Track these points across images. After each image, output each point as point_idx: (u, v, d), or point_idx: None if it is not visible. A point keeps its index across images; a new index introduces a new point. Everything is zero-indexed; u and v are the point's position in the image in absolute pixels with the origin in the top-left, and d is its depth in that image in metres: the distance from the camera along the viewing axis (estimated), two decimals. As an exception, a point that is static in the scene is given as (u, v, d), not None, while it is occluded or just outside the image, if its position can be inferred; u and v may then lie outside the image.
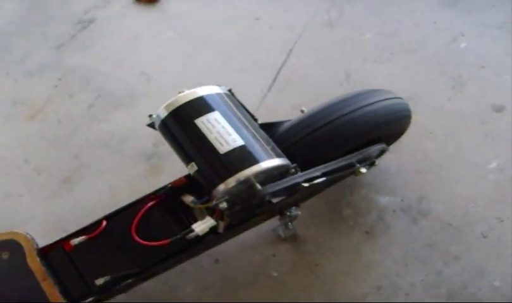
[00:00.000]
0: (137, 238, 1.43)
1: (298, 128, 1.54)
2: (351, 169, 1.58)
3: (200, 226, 1.39)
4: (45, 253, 1.42)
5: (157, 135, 1.58)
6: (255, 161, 1.32)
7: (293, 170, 1.39)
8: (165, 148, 1.44)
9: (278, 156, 1.38)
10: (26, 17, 2.88)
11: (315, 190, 1.60)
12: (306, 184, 1.43)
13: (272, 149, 1.40)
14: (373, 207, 1.83)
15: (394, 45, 2.39)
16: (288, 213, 1.60)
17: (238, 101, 1.54)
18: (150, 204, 1.51)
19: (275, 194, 1.41)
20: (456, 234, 1.74)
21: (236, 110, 1.47)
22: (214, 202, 1.31)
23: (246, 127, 1.42)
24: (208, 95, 1.45)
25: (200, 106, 1.42)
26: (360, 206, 1.83)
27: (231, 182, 1.30)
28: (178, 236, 1.39)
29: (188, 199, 1.53)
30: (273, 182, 1.36)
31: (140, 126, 1.81)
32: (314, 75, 2.35)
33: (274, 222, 1.74)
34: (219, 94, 1.48)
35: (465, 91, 2.16)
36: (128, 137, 2.18)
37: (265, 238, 1.79)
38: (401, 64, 2.31)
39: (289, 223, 1.72)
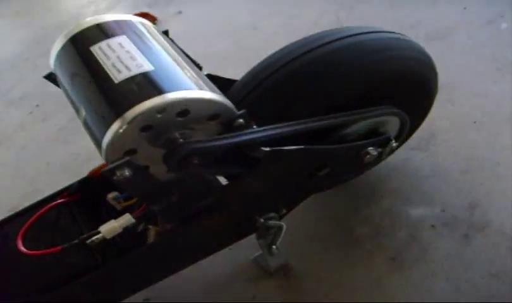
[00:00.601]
0: (21, 248, 0.88)
1: (254, 72, 0.94)
2: (347, 146, 0.95)
3: (109, 226, 0.83)
4: None
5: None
6: (164, 90, 0.72)
7: (242, 122, 0.78)
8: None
9: (212, 91, 0.77)
10: (23, 54, 2.60)
11: (298, 178, 0.95)
12: (265, 149, 0.81)
13: (206, 84, 0.80)
14: (401, 222, 1.15)
15: (418, 35, 1.77)
16: (263, 221, 0.97)
17: (174, 42, 0.96)
18: (51, 204, 0.99)
19: (216, 160, 0.82)
20: (534, 256, 1.02)
21: (160, 38, 0.89)
22: (109, 167, 0.71)
23: (169, 55, 0.83)
24: (119, 21, 0.88)
25: (103, 32, 0.85)
26: (382, 223, 1.16)
27: (123, 122, 0.69)
28: (75, 241, 0.84)
29: (112, 195, 0.97)
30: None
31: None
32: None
33: (253, 248, 1.11)
34: (139, 22, 0.90)
35: (514, 71, 1.49)
36: (93, 158, 1.64)
37: (242, 272, 1.14)
38: (428, 51, 1.68)
39: (274, 247, 1.07)
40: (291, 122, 0.84)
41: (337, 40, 0.91)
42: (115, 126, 0.70)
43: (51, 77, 0.94)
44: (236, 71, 1.39)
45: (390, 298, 1.01)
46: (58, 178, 1.60)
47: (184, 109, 0.73)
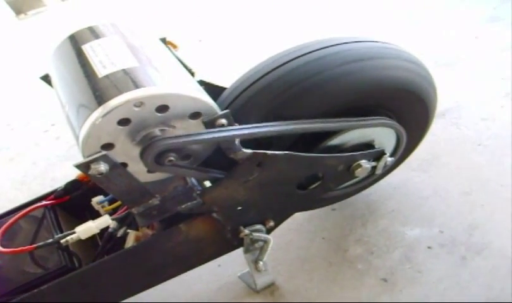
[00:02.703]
0: None
1: (242, 79, 0.93)
2: (336, 156, 0.92)
3: (84, 226, 0.84)
4: None
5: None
6: (143, 84, 0.72)
7: (224, 121, 0.77)
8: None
9: (196, 90, 0.78)
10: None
11: (285, 188, 0.92)
12: (246, 150, 0.80)
13: (191, 83, 0.81)
14: (397, 243, 1.09)
15: (427, 61, 1.74)
16: (248, 232, 0.94)
17: (170, 49, 0.98)
18: (33, 207, 0.99)
19: (193, 154, 0.81)
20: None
21: (152, 42, 0.91)
22: (84, 160, 0.71)
23: (157, 56, 0.85)
24: (113, 24, 0.91)
25: (96, 33, 0.88)
26: (376, 243, 1.11)
27: (100, 114, 0.70)
28: (49, 240, 0.86)
29: (97, 199, 0.99)
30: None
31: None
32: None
33: (244, 266, 1.07)
34: (134, 26, 0.93)
35: (524, 97, 1.45)
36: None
37: (228, 290, 1.10)
38: (436, 77, 1.65)
39: (261, 263, 1.03)
40: (272, 123, 0.83)
41: (322, 48, 0.90)
42: (92, 118, 0.70)
43: (46, 79, 0.96)
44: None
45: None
46: (61, 193, 1.65)
47: (163, 104, 0.73)
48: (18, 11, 4.27)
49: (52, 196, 1.02)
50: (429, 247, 1.06)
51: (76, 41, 0.87)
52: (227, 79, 1.04)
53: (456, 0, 2.21)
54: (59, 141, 2.00)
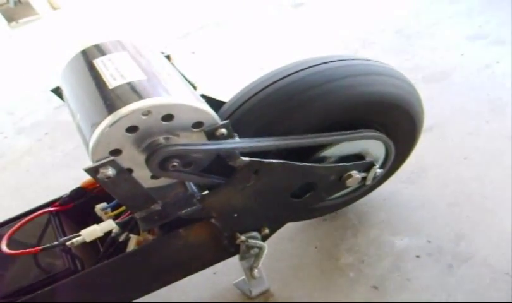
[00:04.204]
0: (4, 249, 0.93)
1: (241, 93, 0.98)
2: (328, 166, 0.97)
3: (89, 229, 0.89)
4: None
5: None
6: (150, 95, 0.77)
7: (224, 131, 0.82)
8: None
9: (198, 101, 0.83)
10: (40, 86, 2.70)
11: (280, 197, 0.97)
12: (245, 158, 0.86)
13: (193, 95, 0.85)
14: (386, 252, 1.14)
15: (416, 78, 1.83)
16: (244, 239, 0.98)
17: (173, 65, 1.03)
18: (39, 212, 1.04)
19: (195, 162, 0.86)
20: (519, 289, 0.99)
21: (157, 58, 0.95)
22: (93, 164, 0.75)
23: (162, 70, 0.89)
24: (121, 41, 0.96)
25: (106, 49, 0.93)
26: (367, 252, 1.15)
27: (110, 121, 0.74)
28: (55, 243, 0.91)
29: (100, 205, 1.02)
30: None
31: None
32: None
33: (239, 274, 1.11)
34: (141, 43, 0.98)
35: (507, 112, 1.51)
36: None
37: (222, 297, 1.13)
38: (424, 93, 1.71)
39: (256, 270, 1.06)
40: (269, 138, 0.88)
41: (312, 66, 0.96)
42: (103, 125, 0.75)
43: (57, 92, 1.00)
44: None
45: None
46: (56, 201, 1.67)
47: (168, 113, 0.78)
48: (10, 19, 4.30)
49: (57, 203, 1.05)
50: (417, 256, 1.11)
51: (87, 56, 0.91)
52: (220, 89, 1.10)
53: (443, 18, 2.29)
54: (53, 149, 2.03)
